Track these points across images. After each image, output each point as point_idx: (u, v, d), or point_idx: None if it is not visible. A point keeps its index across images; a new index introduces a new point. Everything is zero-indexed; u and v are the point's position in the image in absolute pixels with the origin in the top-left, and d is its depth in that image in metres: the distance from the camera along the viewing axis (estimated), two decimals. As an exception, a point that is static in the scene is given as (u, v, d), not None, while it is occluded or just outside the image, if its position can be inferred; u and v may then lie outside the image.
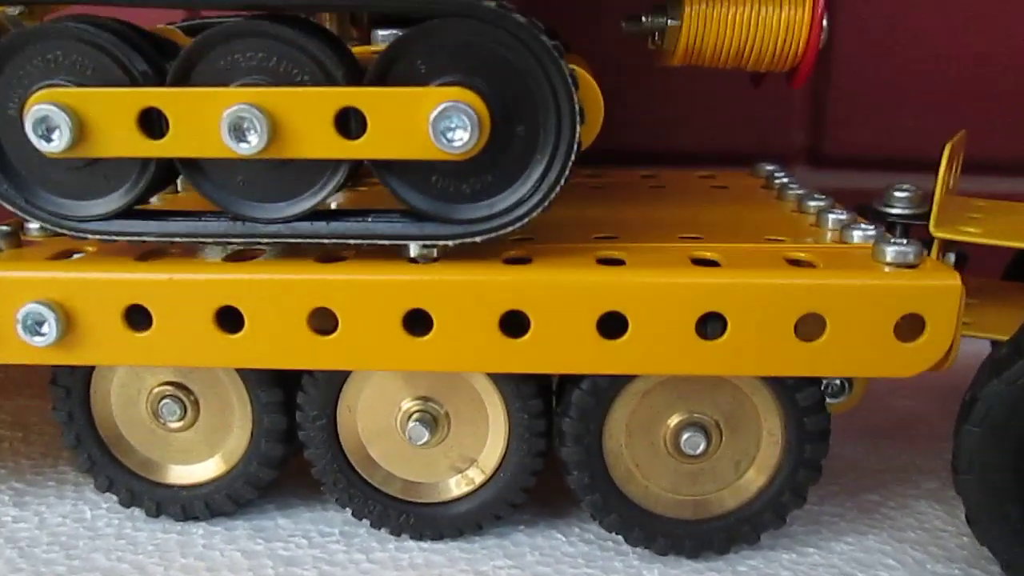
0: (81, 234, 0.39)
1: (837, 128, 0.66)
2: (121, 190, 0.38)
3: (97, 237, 0.39)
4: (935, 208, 0.44)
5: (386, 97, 0.35)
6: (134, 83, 0.37)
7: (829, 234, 0.44)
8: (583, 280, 0.37)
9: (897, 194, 0.48)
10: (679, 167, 0.67)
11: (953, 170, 0.46)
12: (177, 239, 0.38)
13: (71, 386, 0.42)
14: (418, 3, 0.35)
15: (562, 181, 0.36)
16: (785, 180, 0.55)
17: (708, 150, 0.68)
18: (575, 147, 0.36)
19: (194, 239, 0.38)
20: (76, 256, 0.40)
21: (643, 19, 0.44)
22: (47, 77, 0.37)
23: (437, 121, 0.35)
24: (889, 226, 0.48)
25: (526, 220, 0.37)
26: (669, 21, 0.42)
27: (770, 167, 0.59)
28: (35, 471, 0.49)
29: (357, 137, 0.36)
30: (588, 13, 0.63)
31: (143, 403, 0.43)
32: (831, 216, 0.44)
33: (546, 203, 0.37)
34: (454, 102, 0.34)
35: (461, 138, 0.35)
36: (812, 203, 0.48)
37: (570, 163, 0.36)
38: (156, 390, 0.42)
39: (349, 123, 0.36)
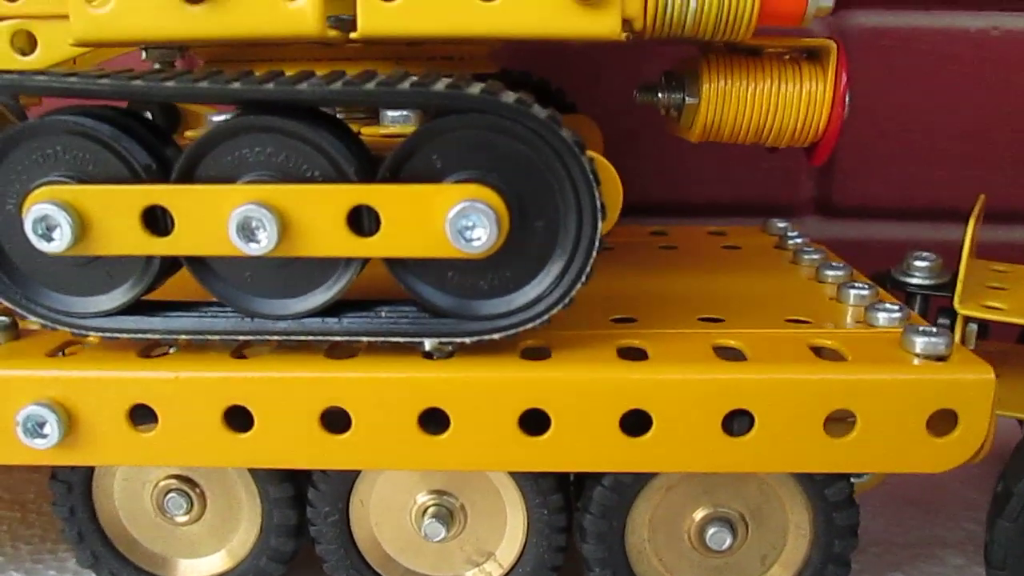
0: (83, 331, 0.37)
1: (846, 179, 0.65)
2: (124, 286, 0.37)
3: (100, 334, 0.37)
4: (960, 285, 0.43)
5: (401, 195, 0.34)
6: (136, 177, 0.35)
7: (851, 311, 0.43)
8: (605, 378, 0.36)
9: (917, 263, 0.47)
10: (687, 219, 0.66)
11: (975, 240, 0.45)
12: (183, 336, 0.37)
13: (73, 481, 0.41)
14: (435, 98, 0.33)
15: (583, 278, 0.35)
16: (799, 241, 0.54)
17: (717, 201, 0.66)
18: (597, 243, 0.34)
19: (200, 336, 0.37)
20: (77, 350, 0.39)
21: (659, 95, 0.42)
22: (46, 172, 0.35)
23: (455, 220, 0.33)
24: (909, 296, 0.47)
25: (546, 317, 0.36)
26: (687, 99, 0.41)
27: (781, 224, 0.58)
28: (35, 558, 0.47)
29: (371, 234, 0.35)
30: (591, 65, 0.62)
31: (148, 497, 0.41)
32: (852, 292, 0.43)
33: (567, 300, 0.35)
34: (472, 201, 0.33)
35: (479, 237, 0.33)
36: (830, 273, 0.47)
37: (592, 259, 0.35)
38: (161, 484, 0.41)
39: (362, 219, 0.35)
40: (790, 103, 0.40)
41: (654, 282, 0.48)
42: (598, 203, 0.34)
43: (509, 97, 0.33)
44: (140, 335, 0.37)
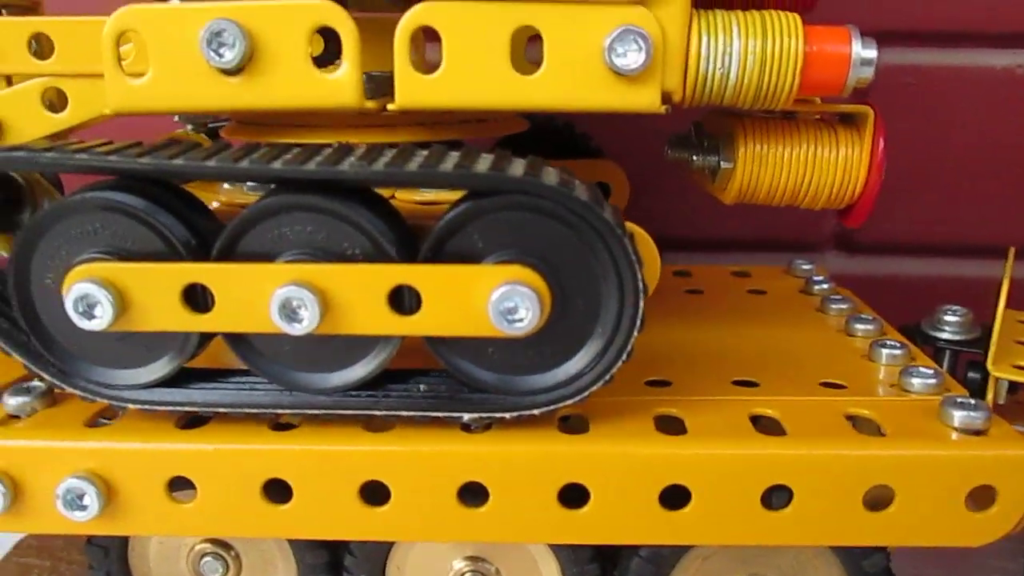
0: (121, 403, 0.37)
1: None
2: (163, 359, 0.37)
3: (138, 407, 0.37)
4: (993, 347, 0.43)
5: (443, 276, 0.34)
6: (175, 252, 0.35)
7: (883, 371, 0.43)
8: (644, 453, 0.36)
9: (947, 318, 0.47)
10: (709, 254, 0.66)
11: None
12: (221, 409, 0.37)
13: (109, 546, 0.41)
14: (479, 180, 0.33)
15: (624, 356, 0.35)
16: (825, 287, 0.54)
17: (739, 237, 0.66)
18: (638, 322, 0.34)
19: (239, 409, 0.37)
20: (114, 419, 0.39)
21: (693, 157, 0.42)
22: (85, 249, 0.35)
23: (497, 302, 0.33)
24: (938, 350, 0.47)
25: (586, 394, 0.36)
26: (722, 163, 0.41)
27: (806, 267, 0.58)
28: (67, 612, 0.47)
29: (411, 313, 0.35)
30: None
31: (183, 560, 0.41)
32: (884, 351, 0.43)
33: (607, 376, 0.35)
34: (515, 283, 0.33)
35: (522, 318, 0.33)
36: (860, 327, 0.47)
37: (633, 338, 0.35)
38: (197, 547, 0.41)
39: (403, 298, 0.35)
40: (826, 168, 0.40)
41: (684, 335, 0.48)
42: (640, 284, 0.34)
43: (552, 178, 0.33)
44: (179, 407, 0.37)
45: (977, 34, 0.61)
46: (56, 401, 0.40)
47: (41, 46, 0.43)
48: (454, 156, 0.35)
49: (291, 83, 0.36)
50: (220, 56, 0.35)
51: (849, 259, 0.66)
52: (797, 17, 0.36)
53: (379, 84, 0.37)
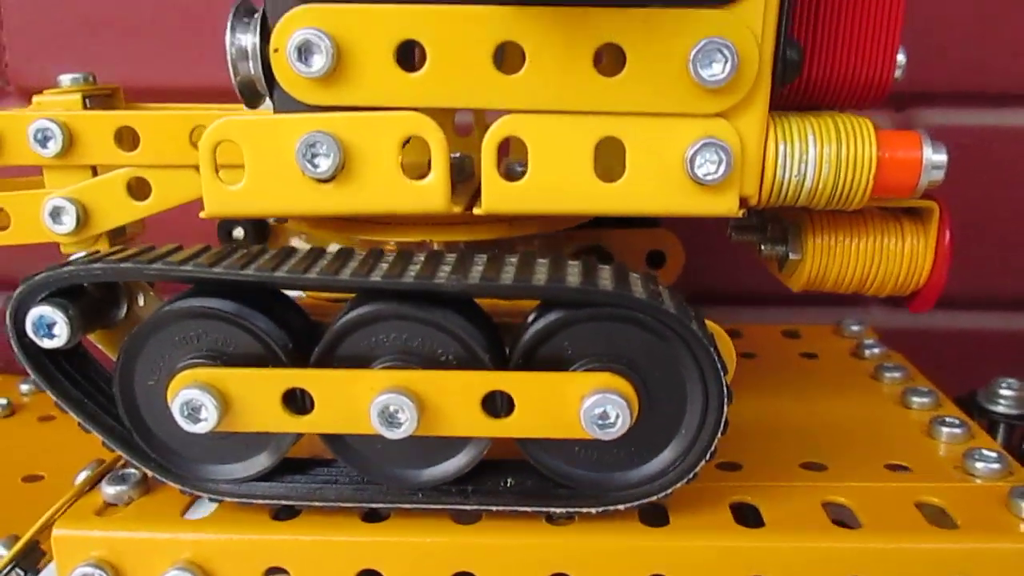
0: (219, 497, 0.39)
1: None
2: (260, 456, 0.38)
3: (236, 500, 0.39)
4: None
5: (535, 382, 0.35)
6: (273, 355, 0.37)
7: (944, 449, 0.44)
8: (725, 546, 0.37)
9: (1003, 391, 0.48)
10: (755, 308, 0.67)
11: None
12: (316, 504, 0.39)
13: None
14: (571, 294, 0.35)
15: (708, 456, 0.36)
16: (876, 352, 0.56)
17: (784, 289, 0.67)
18: (723, 425, 0.36)
19: (335, 504, 0.38)
20: (211, 510, 0.40)
21: (761, 247, 0.44)
22: (188, 354, 0.37)
23: (589, 409, 0.35)
24: (992, 423, 0.49)
25: (670, 491, 0.37)
26: (791, 255, 0.42)
27: (855, 328, 0.60)
28: None
29: (504, 416, 0.36)
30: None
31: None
32: (945, 430, 0.45)
33: (691, 475, 0.37)
34: (605, 391, 0.35)
35: (613, 423, 0.35)
36: (916, 400, 0.48)
37: (717, 439, 0.36)
38: (285, 627, 0.42)
39: (496, 402, 0.36)
40: (893, 259, 0.42)
41: (746, 407, 0.49)
42: (724, 388, 0.35)
43: (640, 291, 0.35)
44: (275, 501, 0.39)
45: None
46: (150, 488, 0.42)
47: (125, 138, 0.44)
48: (543, 266, 0.36)
49: (383, 190, 0.37)
50: (315, 167, 0.37)
51: (893, 313, 0.67)
52: (869, 122, 0.38)
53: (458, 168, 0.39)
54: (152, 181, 0.45)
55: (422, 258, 0.37)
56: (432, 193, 0.37)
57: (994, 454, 0.42)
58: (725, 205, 0.37)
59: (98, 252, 0.40)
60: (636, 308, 0.35)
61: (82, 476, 0.44)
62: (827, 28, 0.40)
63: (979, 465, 0.41)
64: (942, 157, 0.38)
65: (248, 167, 0.38)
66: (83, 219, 0.44)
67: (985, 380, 0.52)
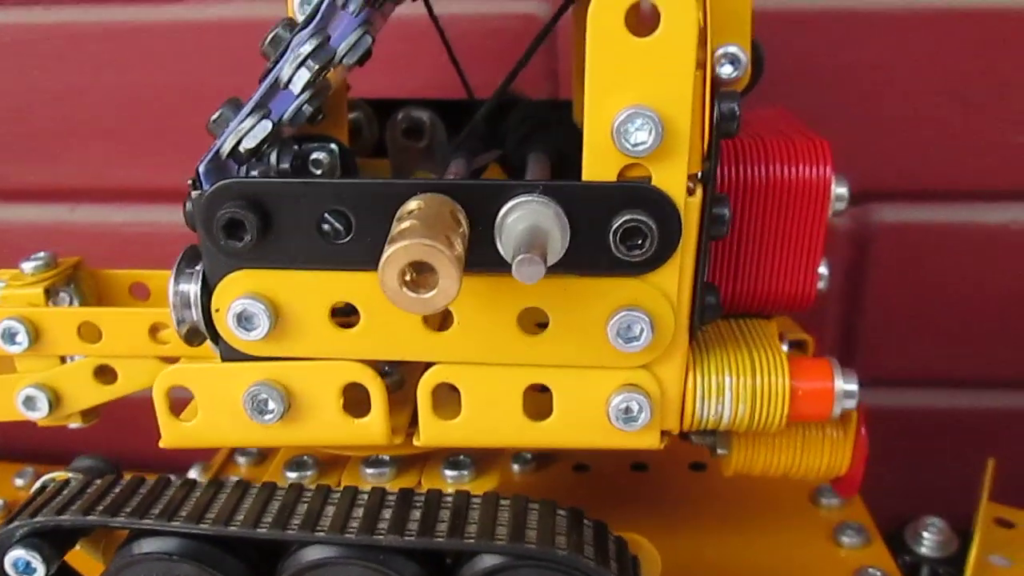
0: None
1: (869, 354, 0.68)
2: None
3: None
4: (969, 569, 0.47)
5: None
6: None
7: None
8: None
9: (926, 534, 0.51)
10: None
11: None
12: None
13: None
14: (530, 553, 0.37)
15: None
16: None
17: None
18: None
19: None
20: None
21: (692, 437, 0.46)
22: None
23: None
24: (914, 567, 0.52)
25: None
26: (719, 449, 0.45)
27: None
28: None
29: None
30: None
31: None
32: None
33: None
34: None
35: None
36: (847, 540, 0.51)
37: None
38: None
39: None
40: (815, 451, 0.44)
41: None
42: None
43: (590, 560, 0.37)
44: None
45: (971, 192, 0.64)
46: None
47: (88, 332, 0.46)
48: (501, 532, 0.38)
49: (326, 428, 0.40)
50: (262, 415, 0.39)
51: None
52: (783, 354, 0.40)
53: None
54: (118, 369, 0.47)
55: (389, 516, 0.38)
56: (372, 430, 0.40)
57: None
58: (647, 440, 0.39)
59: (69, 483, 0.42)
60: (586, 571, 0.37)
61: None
62: (750, 256, 0.41)
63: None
64: (853, 386, 0.40)
65: (200, 408, 0.40)
66: (55, 404, 0.47)
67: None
